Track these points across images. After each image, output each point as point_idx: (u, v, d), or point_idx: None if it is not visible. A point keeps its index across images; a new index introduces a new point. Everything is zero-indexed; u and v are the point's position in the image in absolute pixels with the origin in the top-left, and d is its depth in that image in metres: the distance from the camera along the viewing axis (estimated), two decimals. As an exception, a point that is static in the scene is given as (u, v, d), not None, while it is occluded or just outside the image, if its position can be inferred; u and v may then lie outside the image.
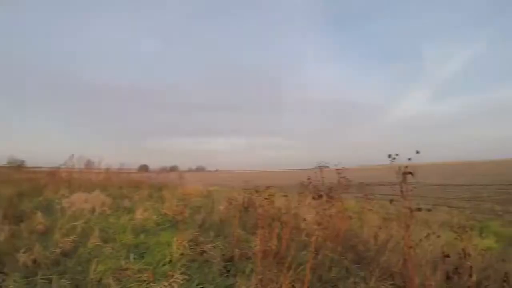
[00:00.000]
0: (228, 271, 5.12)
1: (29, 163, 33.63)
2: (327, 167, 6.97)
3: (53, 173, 18.32)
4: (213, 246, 5.92)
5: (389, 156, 3.89)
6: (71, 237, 6.58)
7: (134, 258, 5.45)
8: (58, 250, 5.96)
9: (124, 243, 6.56)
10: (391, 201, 4.68)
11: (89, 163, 20.40)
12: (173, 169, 32.48)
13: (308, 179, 6.73)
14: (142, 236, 7.15)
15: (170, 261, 5.34)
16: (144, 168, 30.62)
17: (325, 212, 5.72)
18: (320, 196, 5.44)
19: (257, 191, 9.28)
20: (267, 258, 4.48)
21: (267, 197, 5.75)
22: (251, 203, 9.08)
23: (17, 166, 32.31)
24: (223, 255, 5.62)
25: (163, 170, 28.06)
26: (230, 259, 5.54)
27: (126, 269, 4.90)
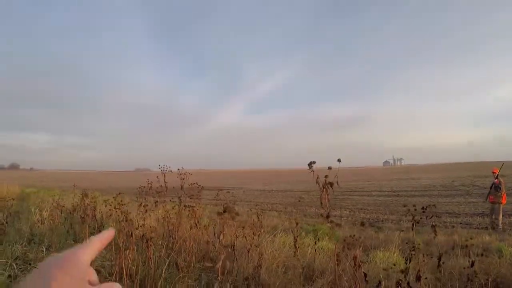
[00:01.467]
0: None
1: None
2: (169, 170, 6.70)
3: None
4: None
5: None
6: None
7: None
8: None
9: None
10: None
11: None
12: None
13: (149, 183, 6.44)
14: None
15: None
16: None
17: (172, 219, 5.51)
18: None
19: (86, 195, 8.61)
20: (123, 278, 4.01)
21: (114, 204, 5.15)
22: (83, 208, 8.28)
23: None
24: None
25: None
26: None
27: None
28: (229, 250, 4.75)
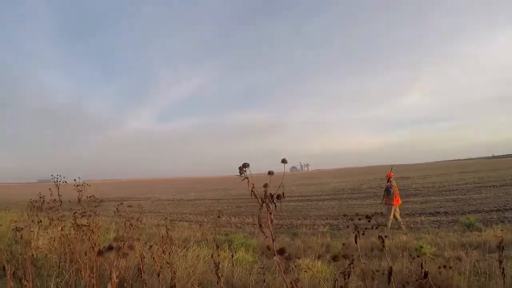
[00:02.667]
0: None
1: None
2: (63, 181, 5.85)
3: None
4: None
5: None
6: None
7: None
8: None
9: None
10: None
11: None
12: None
13: (41, 196, 5.61)
14: None
15: None
16: None
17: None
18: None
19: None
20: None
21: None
22: None
23: None
24: None
25: None
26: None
27: None
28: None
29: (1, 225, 7.58)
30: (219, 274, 4.21)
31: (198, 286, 4.97)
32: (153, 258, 4.53)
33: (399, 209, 15.26)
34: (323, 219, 19.04)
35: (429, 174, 58.69)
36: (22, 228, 4.11)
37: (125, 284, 4.52)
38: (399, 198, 15.14)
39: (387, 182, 15.28)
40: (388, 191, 15.08)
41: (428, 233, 12.27)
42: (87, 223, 4.78)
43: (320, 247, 10.08)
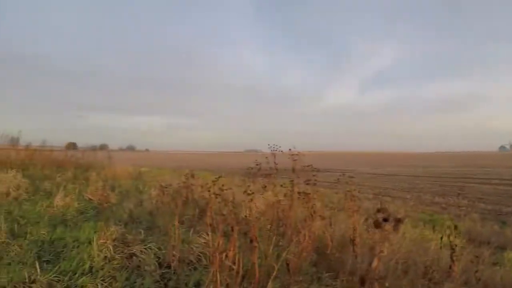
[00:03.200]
0: (167, 282, 4.11)
1: None
2: (279, 150, 6.20)
3: (-37, 149, 16.17)
4: (145, 248, 4.85)
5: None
6: (-32, 231, 5.39)
7: (46, 263, 4.38)
8: None
9: (36, 239, 5.42)
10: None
11: (10, 139, 18.34)
12: (103, 147, 30.68)
13: (257, 164, 6.03)
14: (59, 229, 5.93)
15: (91, 269, 4.23)
16: (71, 146, 28.41)
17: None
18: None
19: (192, 175, 8.37)
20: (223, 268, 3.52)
21: (216, 185, 4.60)
22: (189, 189, 8.05)
23: None
24: (159, 260, 4.63)
25: (92, 148, 26.18)
26: (168, 266, 4.53)
27: (33, 281, 3.75)
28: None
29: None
30: (453, 258, 4.09)
31: (401, 264, 4.86)
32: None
33: None
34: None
35: None
36: (252, 193, 4.46)
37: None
38: None
39: None
40: None
41: None
42: (305, 190, 5.02)
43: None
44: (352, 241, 4.55)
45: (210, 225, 4.14)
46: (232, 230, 3.60)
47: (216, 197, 4.20)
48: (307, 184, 5.39)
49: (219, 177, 4.72)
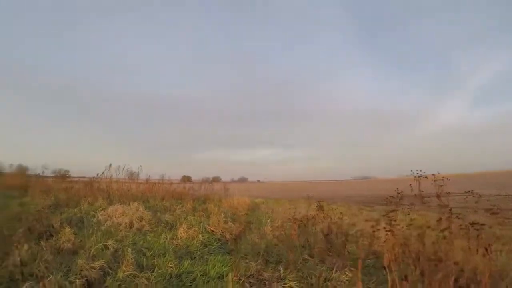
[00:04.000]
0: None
1: (74, 173, 33.21)
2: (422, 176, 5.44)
3: (91, 183, 17.24)
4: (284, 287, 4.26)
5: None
6: (99, 262, 5.29)
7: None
8: (79, 281, 4.68)
9: (164, 272, 5.14)
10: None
11: (130, 174, 19.26)
12: (216, 180, 31.21)
13: (399, 192, 5.32)
14: (186, 262, 5.68)
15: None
16: (186, 179, 29.27)
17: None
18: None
19: (321, 207, 7.78)
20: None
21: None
22: (317, 219, 7.45)
23: (61, 176, 31.73)
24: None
25: (206, 181, 26.68)
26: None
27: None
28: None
29: (342, 218, 7.71)
30: None
31: None
32: None
33: None
34: None
35: None
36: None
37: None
38: None
39: None
40: None
41: None
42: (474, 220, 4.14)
43: None
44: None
45: (388, 266, 3.44)
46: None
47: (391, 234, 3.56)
48: (492, 213, 4.56)
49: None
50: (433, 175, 5.21)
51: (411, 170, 5.45)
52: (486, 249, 3.70)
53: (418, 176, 5.31)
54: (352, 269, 4.30)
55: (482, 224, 3.89)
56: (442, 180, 4.97)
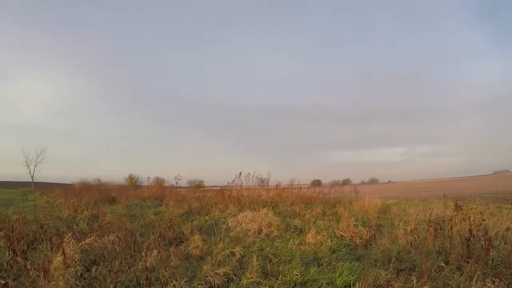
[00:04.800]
0: None
1: (207, 183, 35.25)
2: None
3: (222, 191, 17.91)
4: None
5: None
6: (224, 268, 5.28)
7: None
8: (202, 287, 4.79)
9: (289, 280, 4.95)
10: None
11: (260, 180, 19.61)
12: (346, 182, 30.57)
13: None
14: (312, 269, 5.43)
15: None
16: (316, 183, 29.12)
17: None
18: None
19: (459, 206, 7.08)
20: None
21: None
22: (454, 221, 6.71)
23: (196, 186, 33.81)
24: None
25: (336, 184, 26.23)
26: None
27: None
28: None
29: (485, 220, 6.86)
30: None
31: None
32: None
33: None
34: None
35: None
36: None
37: None
38: None
39: None
40: None
41: None
42: None
43: None
44: None
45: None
46: None
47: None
48: None
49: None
50: None
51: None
52: None
53: None
54: (494, 279, 3.69)
55: None
56: None
